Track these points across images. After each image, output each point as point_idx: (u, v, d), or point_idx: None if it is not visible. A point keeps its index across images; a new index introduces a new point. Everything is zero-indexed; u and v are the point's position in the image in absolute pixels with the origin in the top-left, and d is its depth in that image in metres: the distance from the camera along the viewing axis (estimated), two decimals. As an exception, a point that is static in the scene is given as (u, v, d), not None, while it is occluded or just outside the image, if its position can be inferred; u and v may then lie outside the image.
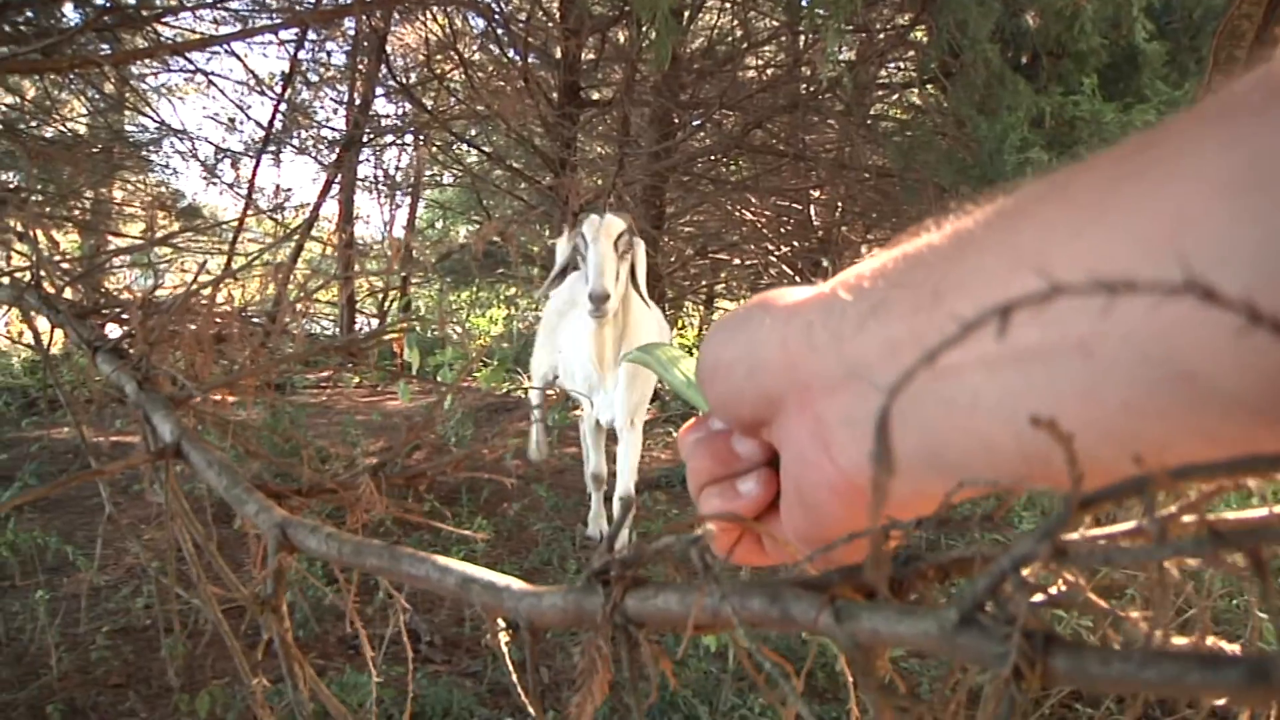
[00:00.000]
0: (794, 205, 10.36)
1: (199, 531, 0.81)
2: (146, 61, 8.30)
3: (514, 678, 0.51)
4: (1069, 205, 0.36)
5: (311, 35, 10.08)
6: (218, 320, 1.34)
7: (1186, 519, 0.29)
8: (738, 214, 10.27)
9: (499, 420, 7.85)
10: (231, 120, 11.14)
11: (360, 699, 2.77)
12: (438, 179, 14.97)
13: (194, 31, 8.52)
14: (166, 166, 10.26)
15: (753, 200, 10.06)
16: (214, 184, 10.45)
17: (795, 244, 10.43)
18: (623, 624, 0.39)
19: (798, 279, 9.98)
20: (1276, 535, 0.23)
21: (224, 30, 8.45)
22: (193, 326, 1.30)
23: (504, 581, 0.47)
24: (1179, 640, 0.30)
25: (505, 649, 0.48)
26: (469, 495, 5.23)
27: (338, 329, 12.13)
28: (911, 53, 8.19)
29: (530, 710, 0.47)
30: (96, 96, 8.14)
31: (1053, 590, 0.30)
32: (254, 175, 10.32)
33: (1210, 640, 0.32)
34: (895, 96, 9.43)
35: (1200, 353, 0.30)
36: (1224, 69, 4.28)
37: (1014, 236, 0.38)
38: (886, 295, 0.44)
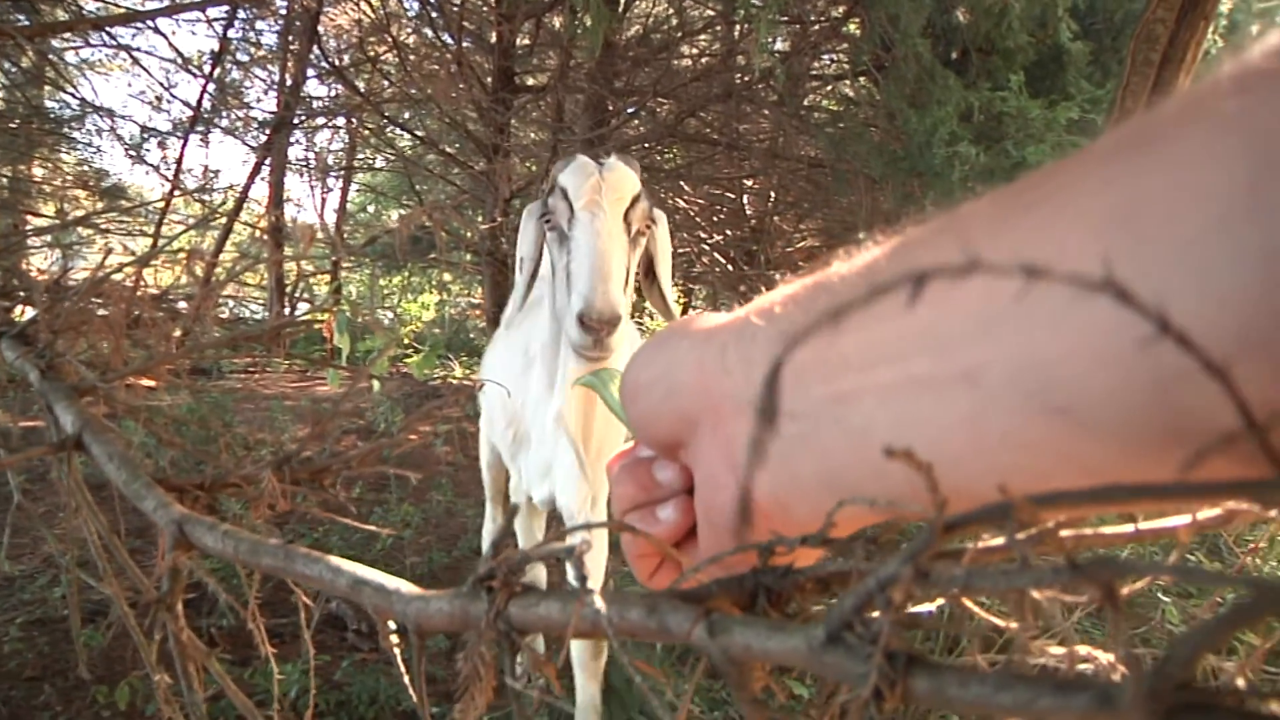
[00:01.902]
0: (727, 194, 10.40)
1: (103, 525, 0.80)
2: (67, 35, 8.08)
3: (415, 679, 0.50)
4: (962, 238, 0.37)
5: (241, 14, 9.92)
6: (132, 305, 1.31)
7: (1065, 532, 0.30)
8: (671, 202, 10.27)
9: (429, 406, 7.79)
10: (158, 99, 10.93)
11: (285, 689, 2.73)
12: (370, 163, 14.80)
13: (117, 5, 8.34)
14: (89, 145, 10.04)
15: (686, 188, 10.08)
16: (140, 164, 10.26)
17: (728, 232, 10.47)
18: (506, 630, 0.39)
19: (730, 267, 10.04)
20: (1131, 569, 0.24)
21: (149, 5, 8.26)
22: (104, 312, 1.27)
23: (394, 585, 0.47)
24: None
25: (397, 647, 0.48)
26: (398, 482, 5.19)
27: (267, 313, 11.98)
28: (844, 45, 8.24)
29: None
30: (13, 70, 7.91)
31: (931, 607, 0.30)
32: (181, 156, 10.18)
33: (1087, 651, 0.33)
34: (828, 88, 9.51)
35: (1072, 386, 0.31)
36: (1141, 70, 4.39)
37: (911, 266, 0.39)
38: (794, 320, 0.45)
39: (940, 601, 0.30)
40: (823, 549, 0.35)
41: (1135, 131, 0.32)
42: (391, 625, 0.47)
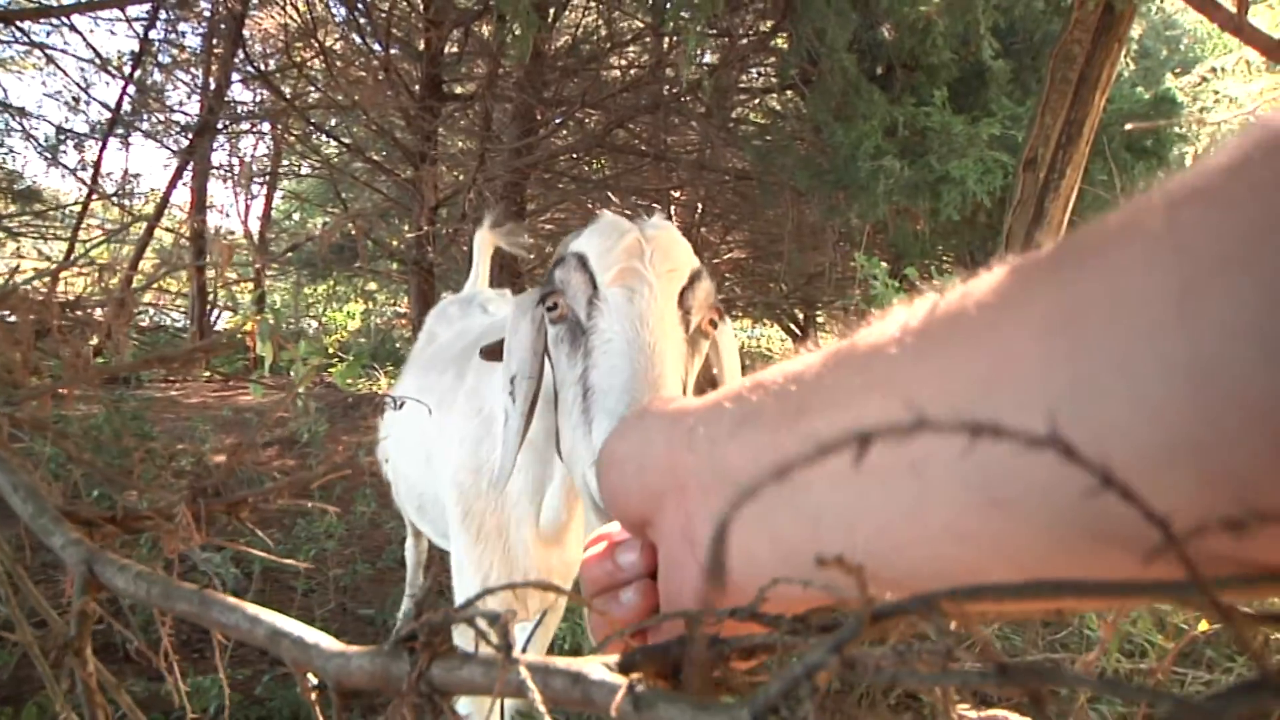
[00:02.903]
0: (654, 205, 10.43)
1: (7, 554, 0.77)
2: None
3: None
4: (920, 336, 0.38)
5: (163, 14, 9.73)
6: (42, 316, 1.28)
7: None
8: (598, 212, 10.30)
9: (354, 416, 7.71)
10: (75, 100, 10.67)
11: (204, 704, 2.68)
12: (295, 169, 14.58)
13: (29, 0, 8.12)
14: (1, 145, 9.77)
15: (614, 199, 10.10)
16: (55, 166, 10.02)
17: (656, 243, 10.50)
18: (428, 693, 0.38)
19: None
20: (1057, 677, 0.25)
21: (65, 1, 8.03)
22: (13, 319, 1.24)
23: (314, 638, 0.46)
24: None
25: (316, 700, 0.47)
26: (321, 492, 5.11)
27: (188, 320, 11.75)
28: (772, 59, 8.33)
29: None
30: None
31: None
32: (99, 159, 9.94)
33: (1004, 714, 0.34)
34: (755, 101, 9.60)
35: (1011, 481, 0.32)
36: (1059, 88, 4.52)
37: (872, 358, 0.41)
38: (761, 406, 0.47)
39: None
40: (753, 622, 0.35)
41: (1077, 241, 0.33)
42: (312, 679, 0.46)
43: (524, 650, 0.38)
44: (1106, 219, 0.33)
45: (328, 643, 0.46)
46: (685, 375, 1.27)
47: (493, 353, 1.63)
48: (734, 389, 0.50)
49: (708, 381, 1.42)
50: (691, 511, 0.50)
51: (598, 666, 0.35)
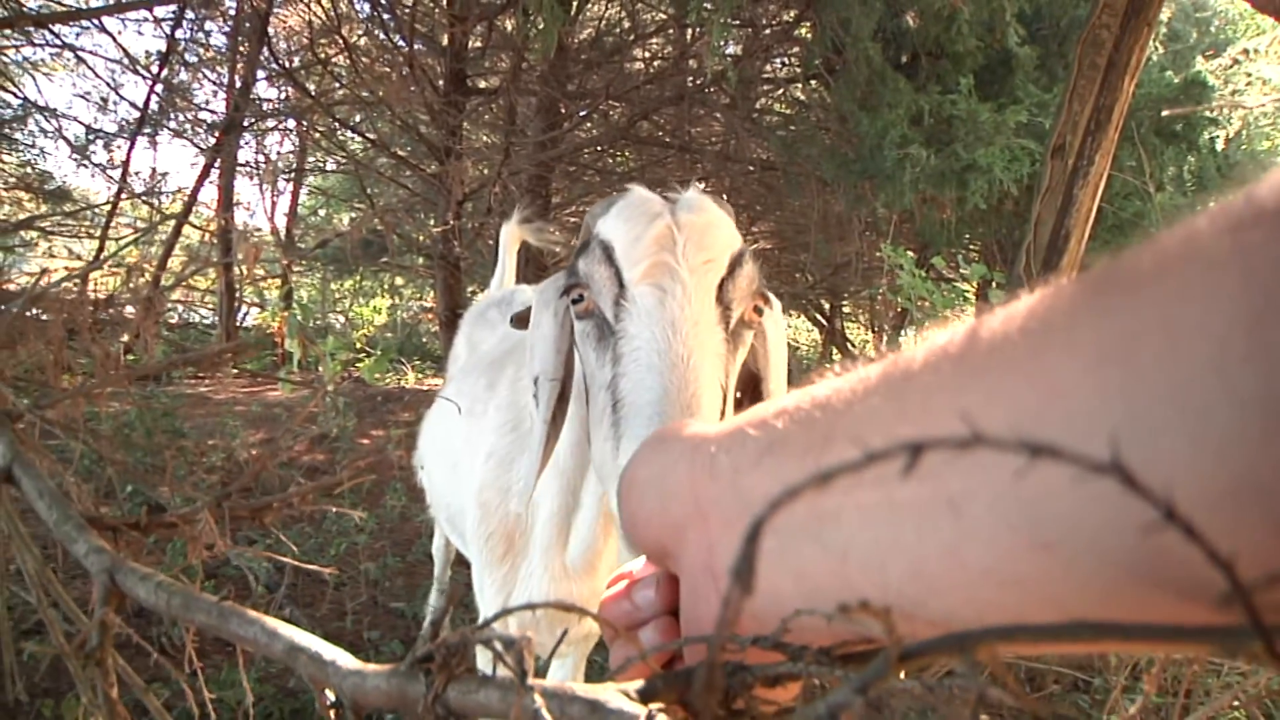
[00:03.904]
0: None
1: (37, 557, 0.77)
2: (7, 33, 7.90)
3: None
4: (959, 364, 0.37)
5: (189, 14, 9.79)
6: (74, 315, 1.29)
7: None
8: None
9: (382, 411, 7.74)
10: (104, 100, 10.75)
11: (239, 697, 2.70)
12: (321, 165, 14.63)
13: (61, 3, 8.18)
14: (32, 146, 9.85)
15: (639, 191, 10.08)
16: (85, 166, 10.11)
17: (681, 235, 10.47)
18: (444, 715, 0.38)
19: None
20: None
21: (94, 4, 8.09)
22: (47, 317, 1.25)
23: (331, 655, 0.46)
24: None
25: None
26: (351, 488, 5.12)
27: (217, 317, 11.83)
28: (796, 49, 8.28)
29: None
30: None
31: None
32: (128, 158, 10.03)
33: None
34: (780, 91, 9.55)
35: (1059, 522, 0.31)
36: (1087, 74, 4.47)
37: (906, 385, 0.39)
38: (786, 433, 0.45)
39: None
40: (777, 651, 0.35)
41: (1128, 264, 0.32)
42: (329, 696, 0.46)
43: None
44: (1159, 240, 0.31)
45: (345, 660, 0.45)
46: (725, 379, 1.15)
47: (523, 320, 1.51)
48: (757, 415, 0.48)
49: (750, 377, 1.33)
50: (714, 543, 0.49)
51: (616, 695, 0.35)
